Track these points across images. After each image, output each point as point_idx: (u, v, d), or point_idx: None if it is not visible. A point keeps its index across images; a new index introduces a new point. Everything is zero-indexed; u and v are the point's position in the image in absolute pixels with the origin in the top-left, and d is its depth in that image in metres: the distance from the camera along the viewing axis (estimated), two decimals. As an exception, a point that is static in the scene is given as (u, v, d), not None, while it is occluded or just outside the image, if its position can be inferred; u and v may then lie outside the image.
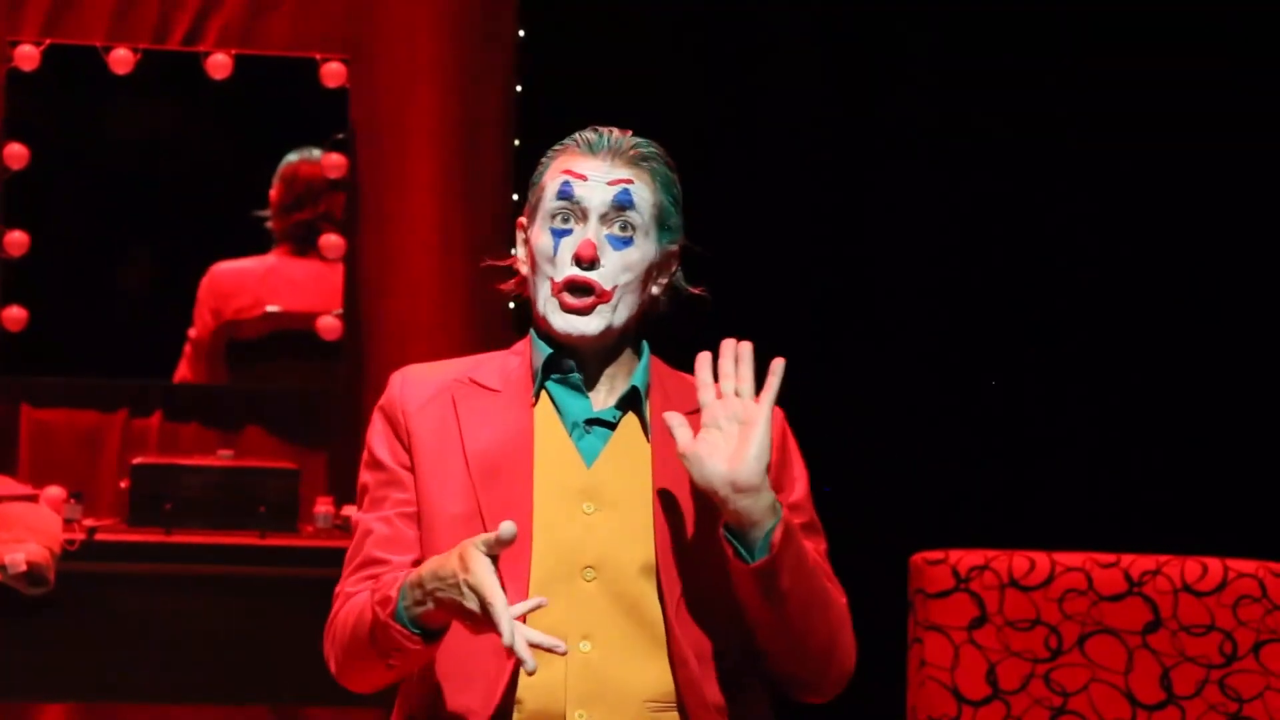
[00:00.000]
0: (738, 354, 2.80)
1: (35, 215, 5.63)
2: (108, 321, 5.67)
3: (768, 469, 2.75)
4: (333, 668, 2.89)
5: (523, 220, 2.97)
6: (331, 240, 5.70)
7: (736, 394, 2.78)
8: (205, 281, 5.69)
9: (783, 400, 2.83)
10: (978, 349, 5.52)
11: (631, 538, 2.84)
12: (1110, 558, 4.04)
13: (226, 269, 5.71)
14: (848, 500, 4.26)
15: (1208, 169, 5.45)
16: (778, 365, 2.79)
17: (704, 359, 2.81)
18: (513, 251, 3.03)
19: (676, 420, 2.78)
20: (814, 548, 2.90)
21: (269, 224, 5.69)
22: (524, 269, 2.96)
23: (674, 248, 2.96)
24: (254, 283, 5.71)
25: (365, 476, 2.97)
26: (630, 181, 2.88)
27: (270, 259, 5.74)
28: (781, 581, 2.75)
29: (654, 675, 2.82)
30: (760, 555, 2.73)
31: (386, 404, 2.96)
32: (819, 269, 5.56)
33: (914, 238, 5.56)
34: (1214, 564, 4.00)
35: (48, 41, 5.60)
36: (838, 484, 5.10)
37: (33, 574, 4.80)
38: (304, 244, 5.72)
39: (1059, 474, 5.50)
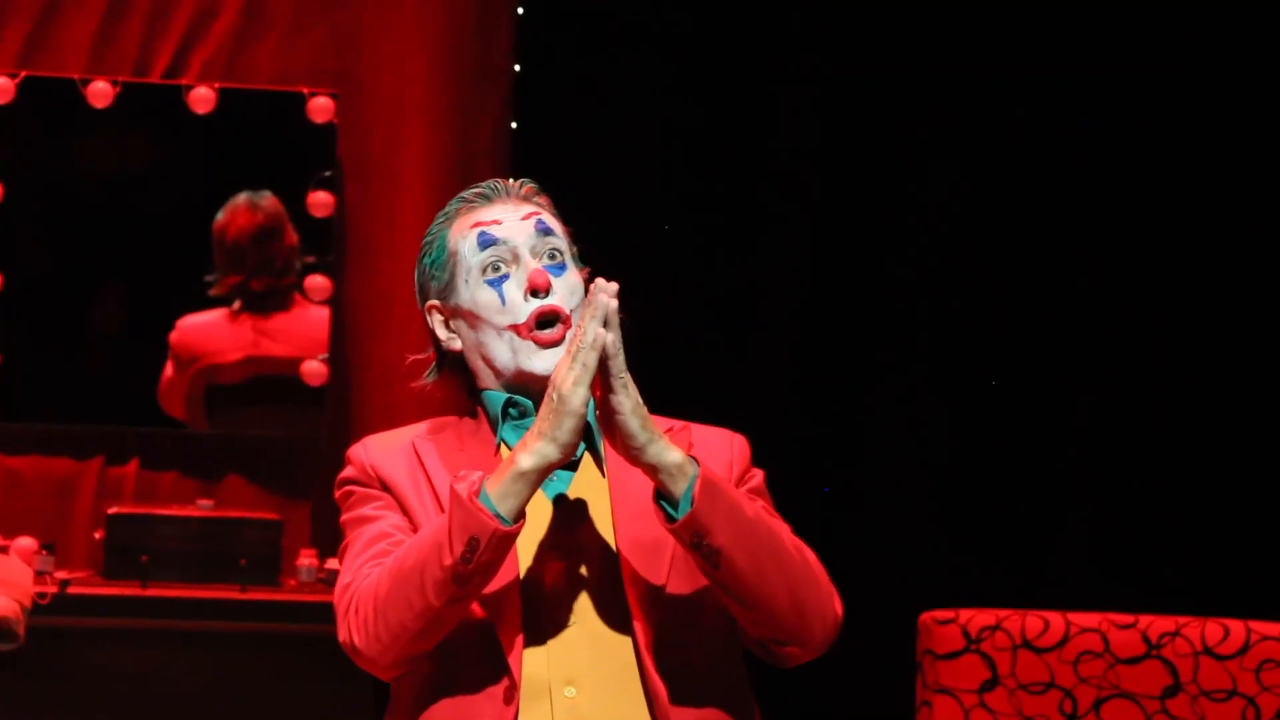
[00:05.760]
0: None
1: (8, 254, 5.56)
2: (83, 365, 5.64)
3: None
4: (359, 636, 2.77)
5: (434, 304, 2.98)
6: (317, 282, 5.66)
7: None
8: (173, 336, 5.64)
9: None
10: (990, 400, 5.50)
11: (603, 581, 2.82)
12: (1128, 618, 4.07)
13: (193, 323, 5.66)
14: (853, 556, 4.24)
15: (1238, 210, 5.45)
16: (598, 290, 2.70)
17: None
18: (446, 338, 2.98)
19: None
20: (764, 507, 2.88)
21: (213, 290, 5.65)
22: (455, 345, 2.95)
23: (585, 272, 2.97)
24: (223, 332, 5.67)
25: (351, 527, 2.95)
26: (539, 212, 2.93)
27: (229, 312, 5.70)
28: (715, 536, 2.70)
29: (639, 718, 2.78)
30: (683, 511, 2.70)
31: (356, 471, 2.97)
32: (827, 318, 5.54)
33: (923, 279, 5.55)
34: (1236, 626, 4.03)
35: (23, 74, 5.55)
36: (843, 539, 5.04)
37: (1, 629, 4.71)
38: (245, 304, 5.65)
39: (1074, 530, 5.48)
